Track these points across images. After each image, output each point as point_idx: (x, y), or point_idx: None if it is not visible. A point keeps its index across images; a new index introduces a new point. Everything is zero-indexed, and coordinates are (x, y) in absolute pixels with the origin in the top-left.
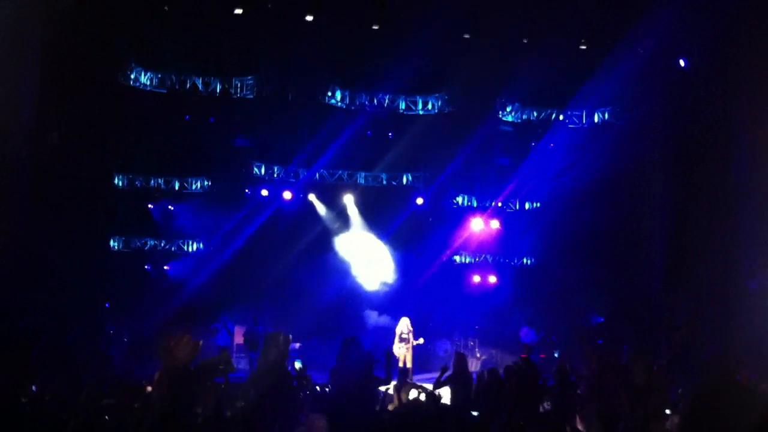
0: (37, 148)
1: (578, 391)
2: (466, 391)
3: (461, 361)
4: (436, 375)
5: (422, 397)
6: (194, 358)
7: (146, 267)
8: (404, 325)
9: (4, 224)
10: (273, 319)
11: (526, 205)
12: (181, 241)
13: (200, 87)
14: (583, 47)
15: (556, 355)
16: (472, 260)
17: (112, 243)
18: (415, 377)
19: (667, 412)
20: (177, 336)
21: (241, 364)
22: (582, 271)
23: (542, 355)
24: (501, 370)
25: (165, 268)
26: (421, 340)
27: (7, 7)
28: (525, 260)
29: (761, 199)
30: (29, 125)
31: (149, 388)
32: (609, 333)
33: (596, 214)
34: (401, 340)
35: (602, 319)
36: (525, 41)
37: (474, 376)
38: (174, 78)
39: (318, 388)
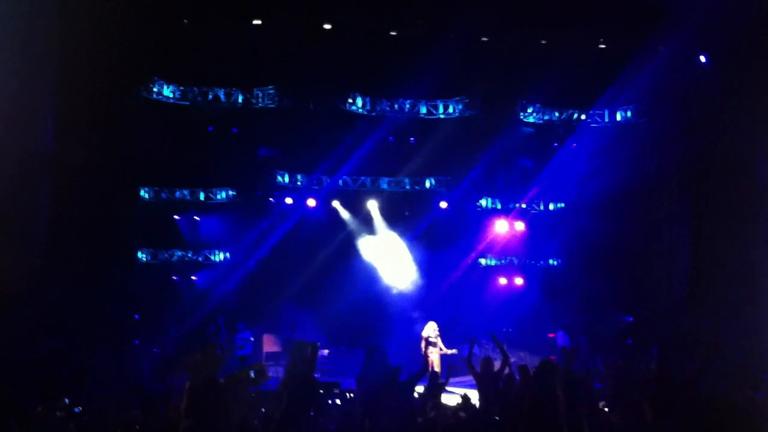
0: (57, 165)
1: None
2: (494, 395)
3: (488, 365)
4: (464, 379)
5: (456, 400)
6: (218, 370)
7: (174, 278)
8: (431, 329)
9: (26, 245)
10: (302, 326)
11: (551, 207)
12: (207, 251)
13: (222, 98)
14: (602, 46)
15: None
16: (498, 263)
17: (139, 255)
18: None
19: None
20: (200, 351)
21: (271, 372)
22: (607, 275)
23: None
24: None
25: (193, 278)
26: (454, 350)
27: (23, 27)
28: (551, 261)
29: None
30: (48, 146)
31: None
32: (637, 334)
33: (621, 218)
34: (428, 344)
35: (631, 319)
36: (544, 42)
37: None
38: (196, 90)
39: (347, 394)
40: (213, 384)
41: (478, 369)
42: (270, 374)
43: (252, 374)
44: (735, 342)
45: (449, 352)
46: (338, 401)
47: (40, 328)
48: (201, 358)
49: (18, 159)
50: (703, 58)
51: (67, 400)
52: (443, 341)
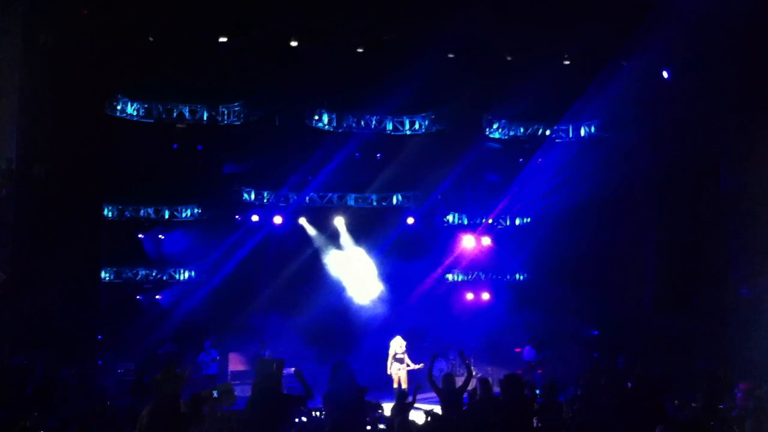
0: (20, 181)
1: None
2: (457, 408)
3: (449, 381)
4: (432, 395)
5: (422, 418)
6: (180, 389)
7: (138, 297)
8: (398, 344)
9: None
10: (271, 344)
11: (517, 221)
12: (172, 269)
13: (187, 115)
14: (567, 62)
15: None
16: (465, 278)
17: (103, 274)
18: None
19: None
20: (163, 369)
21: (238, 391)
22: (574, 286)
23: (539, 371)
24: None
25: (157, 297)
26: (421, 365)
27: None
28: (518, 276)
29: (748, 208)
30: (9, 161)
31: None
32: (603, 345)
33: (587, 229)
34: (396, 360)
35: (597, 332)
36: (509, 59)
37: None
38: (161, 107)
39: (314, 413)
40: (175, 404)
41: (440, 385)
42: (237, 393)
43: (215, 394)
44: (703, 349)
45: (416, 367)
46: (304, 419)
47: (2, 345)
48: (162, 377)
49: None
50: (665, 74)
51: (35, 415)
52: (410, 356)
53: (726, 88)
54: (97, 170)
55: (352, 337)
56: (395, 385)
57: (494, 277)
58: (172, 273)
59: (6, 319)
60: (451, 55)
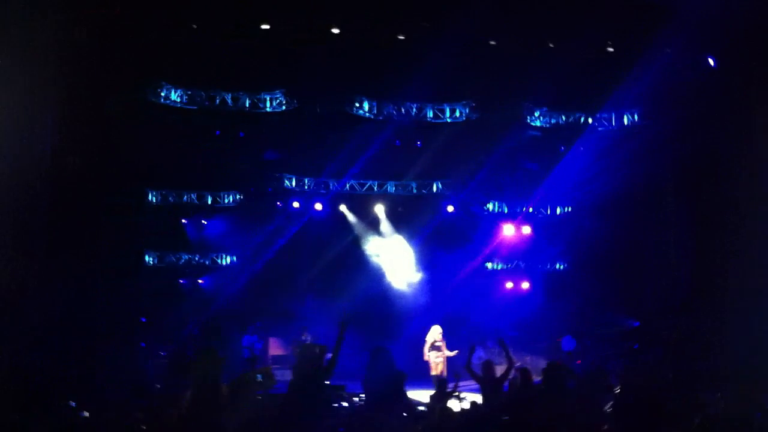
0: (61, 168)
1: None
2: (497, 397)
3: (489, 369)
4: (470, 383)
5: (464, 405)
6: (220, 372)
7: (180, 281)
8: (436, 333)
9: (28, 246)
10: (311, 330)
11: (557, 210)
12: (214, 254)
13: (229, 102)
14: (611, 49)
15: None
16: (505, 266)
17: (146, 258)
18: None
19: None
20: (204, 352)
21: (278, 375)
22: (613, 276)
23: (578, 361)
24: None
25: (199, 281)
26: (455, 352)
27: (25, 31)
28: (558, 266)
29: None
30: (50, 148)
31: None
32: (643, 337)
33: (626, 219)
34: (433, 348)
35: (637, 323)
36: (551, 45)
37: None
38: (203, 94)
39: (355, 399)
40: (215, 387)
41: (479, 373)
42: (277, 378)
43: (259, 378)
44: (737, 346)
45: (451, 354)
46: (345, 404)
47: (43, 332)
48: (203, 360)
49: (20, 162)
50: (711, 61)
51: (73, 404)
52: (448, 344)
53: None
54: (140, 156)
55: (391, 324)
56: (433, 372)
57: (534, 266)
58: (215, 258)
59: (46, 306)
60: (492, 42)
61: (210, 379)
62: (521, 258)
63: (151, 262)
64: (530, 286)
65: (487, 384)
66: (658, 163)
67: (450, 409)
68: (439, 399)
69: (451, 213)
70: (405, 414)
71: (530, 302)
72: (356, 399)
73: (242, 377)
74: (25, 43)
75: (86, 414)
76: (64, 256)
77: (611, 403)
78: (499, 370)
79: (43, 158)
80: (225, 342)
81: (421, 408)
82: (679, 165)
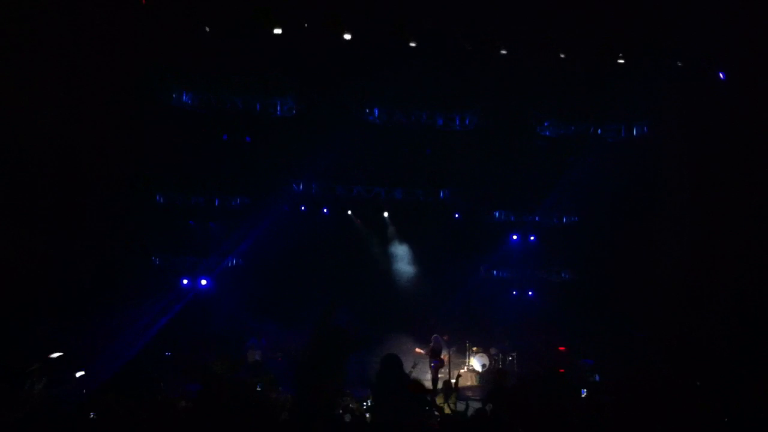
0: (73, 167)
1: None
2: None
3: (501, 377)
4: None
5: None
6: (233, 373)
7: (184, 281)
8: (438, 342)
9: (40, 241)
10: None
11: (564, 219)
12: (221, 257)
13: (240, 106)
14: (621, 61)
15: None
16: (511, 275)
17: (153, 260)
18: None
19: None
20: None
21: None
22: (620, 285)
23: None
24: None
25: (203, 283)
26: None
27: (42, 33)
28: (563, 274)
29: None
30: (62, 148)
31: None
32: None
33: (632, 229)
34: (435, 356)
35: (642, 335)
36: (562, 56)
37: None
38: (214, 98)
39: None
40: (223, 387)
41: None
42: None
43: (259, 388)
44: (740, 348)
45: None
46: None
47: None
48: (220, 361)
49: (33, 162)
50: (721, 75)
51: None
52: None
53: None
54: (150, 157)
55: (396, 330)
56: (439, 385)
57: (540, 274)
58: (221, 260)
59: (55, 301)
60: (503, 52)
61: (224, 378)
62: (528, 266)
63: (158, 264)
64: (536, 294)
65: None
66: (665, 172)
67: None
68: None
69: (459, 220)
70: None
71: (536, 310)
72: (364, 404)
73: (244, 383)
74: (36, 41)
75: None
76: (79, 253)
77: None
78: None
79: (62, 153)
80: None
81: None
82: (690, 174)
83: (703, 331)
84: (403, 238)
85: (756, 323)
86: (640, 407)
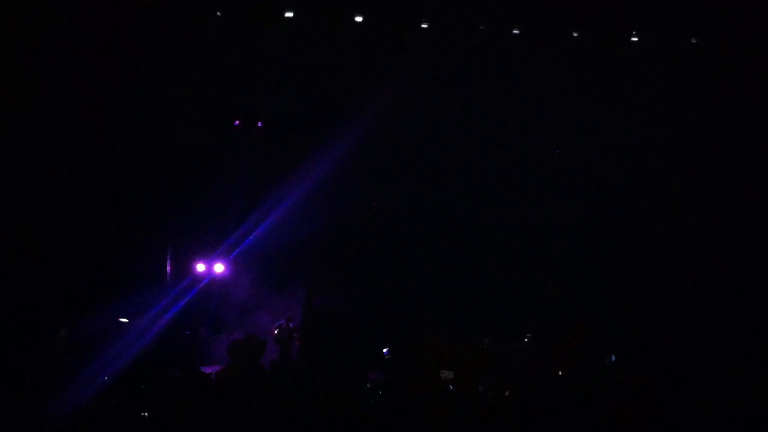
0: (77, 166)
1: None
2: None
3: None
4: None
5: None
6: (260, 356)
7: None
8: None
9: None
10: None
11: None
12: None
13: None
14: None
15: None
16: None
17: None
18: None
19: None
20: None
21: None
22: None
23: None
24: None
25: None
26: None
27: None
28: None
29: None
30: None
31: None
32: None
33: (632, 228)
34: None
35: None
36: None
37: None
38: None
39: None
40: (253, 368)
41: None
42: None
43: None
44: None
45: None
46: None
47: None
48: (245, 343)
49: (36, 161)
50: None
51: None
52: None
53: None
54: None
55: None
56: None
57: None
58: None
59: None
60: None
61: (248, 360)
62: None
63: None
64: None
65: None
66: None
67: None
68: None
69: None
70: None
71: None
72: None
73: None
74: (41, 42)
75: None
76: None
77: None
78: None
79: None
80: None
81: None
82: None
83: (702, 331)
84: None
85: (756, 323)
86: (640, 407)
